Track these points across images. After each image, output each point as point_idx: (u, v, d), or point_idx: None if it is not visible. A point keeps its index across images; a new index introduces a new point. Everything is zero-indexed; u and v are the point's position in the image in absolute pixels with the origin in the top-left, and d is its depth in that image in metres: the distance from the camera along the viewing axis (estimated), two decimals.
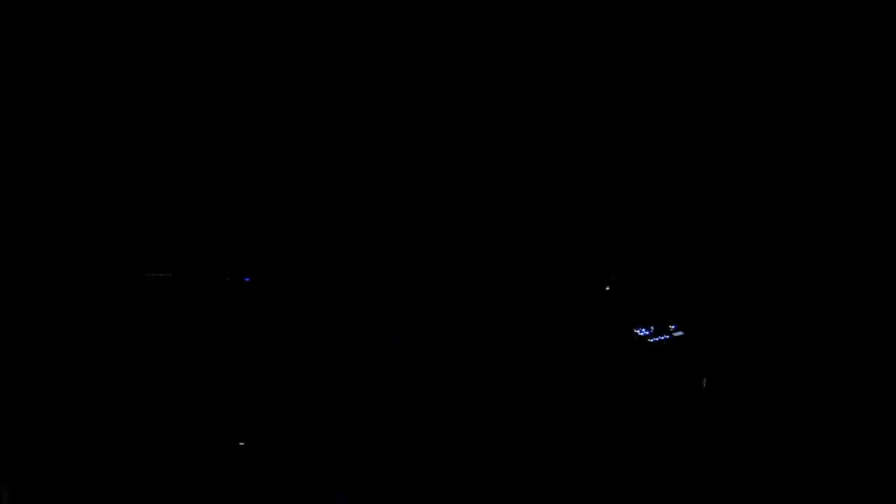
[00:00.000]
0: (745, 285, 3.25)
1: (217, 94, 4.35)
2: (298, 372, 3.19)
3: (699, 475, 3.04)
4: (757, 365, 3.10)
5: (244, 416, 3.31)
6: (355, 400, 3.03)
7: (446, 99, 4.16)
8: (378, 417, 2.63)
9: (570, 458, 3.29)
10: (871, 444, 2.76)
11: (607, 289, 3.33)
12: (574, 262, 3.92)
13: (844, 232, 2.93)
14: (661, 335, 3.41)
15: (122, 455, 3.30)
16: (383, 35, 3.88)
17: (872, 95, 3.05)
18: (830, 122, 3.11)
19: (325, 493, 3.02)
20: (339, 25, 3.99)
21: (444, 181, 3.93)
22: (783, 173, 3.22)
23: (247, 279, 3.58)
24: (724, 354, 3.23)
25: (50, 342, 3.43)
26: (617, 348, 3.49)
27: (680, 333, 3.40)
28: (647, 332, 3.45)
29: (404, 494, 2.63)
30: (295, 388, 3.18)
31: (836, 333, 2.89)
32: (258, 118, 4.43)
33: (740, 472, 2.96)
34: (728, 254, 3.37)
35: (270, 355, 3.27)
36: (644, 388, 3.39)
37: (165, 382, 3.42)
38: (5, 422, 3.27)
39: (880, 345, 2.80)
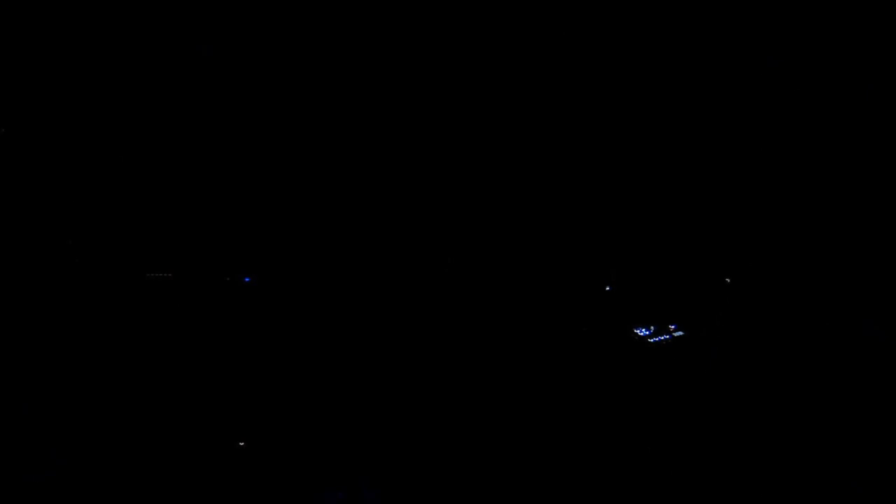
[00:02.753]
0: (745, 285, 3.25)
1: (217, 94, 4.35)
2: (298, 372, 3.19)
3: (699, 475, 3.03)
4: (757, 365, 3.10)
5: (244, 416, 3.31)
6: (355, 399, 3.03)
7: (446, 99, 4.16)
8: (378, 417, 2.63)
9: (570, 458, 3.28)
10: (872, 444, 2.75)
11: (607, 289, 3.33)
12: (574, 262, 3.92)
13: (844, 232, 2.93)
14: (661, 335, 3.41)
15: (121, 455, 3.30)
16: (380, 34, 3.87)
17: (872, 95, 3.05)
18: (829, 122, 3.11)
19: (324, 493, 3.02)
20: (338, 25, 3.98)
21: (443, 181, 3.92)
22: (783, 173, 3.22)
23: (247, 279, 3.58)
24: (724, 354, 3.23)
25: (49, 342, 3.43)
26: (617, 348, 3.49)
27: (680, 333, 3.40)
28: (648, 332, 3.45)
29: (404, 494, 2.63)
30: (295, 388, 3.18)
31: (836, 333, 2.89)
32: (258, 117, 4.43)
33: (740, 473, 2.96)
34: (728, 254, 3.36)
35: (270, 355, 3.27)
36: (644, 388, 3.39)
37: (165, 383, 3.42)
38: (5, 421, 3.27)
39: (880, 345, 2.79)
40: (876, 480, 2.68)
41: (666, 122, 4.06)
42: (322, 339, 3.12)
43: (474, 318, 3.22)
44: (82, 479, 3.18)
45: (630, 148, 4.14)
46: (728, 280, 3.28)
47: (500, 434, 3.34)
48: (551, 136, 4.28)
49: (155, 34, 4.06)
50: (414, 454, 2.56)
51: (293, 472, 3.11)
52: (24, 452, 3.21)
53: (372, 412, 2.79)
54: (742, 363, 3.15)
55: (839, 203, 2.98)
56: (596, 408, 3.37)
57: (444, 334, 2.85)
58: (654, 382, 3.38)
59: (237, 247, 4.02)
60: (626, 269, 3.39)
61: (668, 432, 3.22)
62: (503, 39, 4.20)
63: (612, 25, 4.03)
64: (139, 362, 3.45)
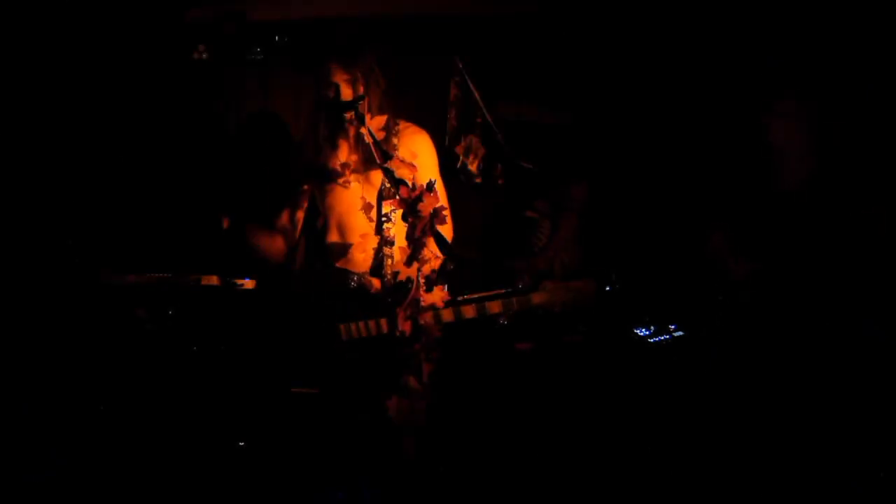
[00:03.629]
0: (745, 284, 3.25)
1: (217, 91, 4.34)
2: (298, 371, 3.19)
3: (699, 475, 3.04)
4: (757, 365, 3.10)
5: (244, 416, 3.31)
6: (354, 399, 3.03)
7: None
8: (377, 417, 2.63)
9: (569, 458, 3.29)
10: (872, 444, 2.75)
11: (607, 289, 3.32)
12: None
13: (844, 231, 2.93)
14: (661, 335, 3.41)
15: (121, 455, 3.30)
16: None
17: (871, 95, 3.05)
18: (829, 122, 3.11)
19: (324, 493, 3.02)
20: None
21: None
22: (783, 172, 3.22)
23: (247, 279, 3.57)
24: (724, 354, 3.24)
25: (49, 342, 3.43)
26: (617, 348, 3.49)
27: (680, 333, 3.40)
28: (648, 332, 3.45)
29: (403, 494, 2.63)
30: (294, 388, 3.18)
31: (836, 333, 2.89)
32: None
33: (740, 472, 2.96)
34: (728, 252, 3.37)
35: (270, 355, 3.27)
36: (643, 388, 3.40)
37: (165, 382, 3.42)
38: (5, 421, 3.28)
39: (880, 345, 2.79)
40: (876, 480, 2.68)
41: (666, 121, 4.06)
42: (322, 338, 3.12)
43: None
44: (82, 479, 3.17)
45: (629, 147, 4.14)
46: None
47: (500, 433, 3.35)
48: (550, 135, 4.28)
49: (155, 32, 4.05)
50: (413, 454, 2.56)
51: (293, 472, 3.11)
52: (24, 452, 3.20)
53: (372, 411, 2.78)
54: (742, 363, 3.15)
55: (838, 203, 2.98)
56: (595, 407, 3.37)
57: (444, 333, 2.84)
58: (653, 382, 3.38)
59: (237, 246, 4.01)
60: (627, 270, 3.39)
61: (668, 432, 3.23)
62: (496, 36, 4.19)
63: (611, 25, 4.03)
64: (139, 362, 3.44)
